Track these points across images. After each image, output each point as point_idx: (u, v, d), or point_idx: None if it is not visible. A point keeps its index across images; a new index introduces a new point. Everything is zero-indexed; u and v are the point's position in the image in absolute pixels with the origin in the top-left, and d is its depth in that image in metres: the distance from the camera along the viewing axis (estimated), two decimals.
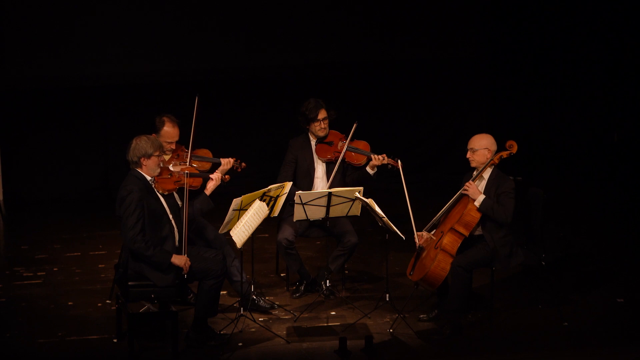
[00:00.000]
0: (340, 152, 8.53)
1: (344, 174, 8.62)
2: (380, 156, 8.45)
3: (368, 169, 8.52)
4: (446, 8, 12.28)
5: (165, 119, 8.25)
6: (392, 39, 12.26)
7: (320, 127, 8.57)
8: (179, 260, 7.49)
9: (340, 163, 8.55)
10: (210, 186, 7.97)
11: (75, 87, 11.82)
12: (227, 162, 8.31)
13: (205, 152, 8.42)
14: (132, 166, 7.54)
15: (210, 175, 7.99)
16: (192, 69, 11.96)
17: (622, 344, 7.70)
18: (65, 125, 11.87)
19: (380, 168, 8.52)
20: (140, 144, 7.51)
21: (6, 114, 11.72)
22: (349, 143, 8.54)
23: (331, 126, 8.67)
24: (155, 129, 8.25)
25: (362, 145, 8.61)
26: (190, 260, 7.56)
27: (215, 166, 8.37)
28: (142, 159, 7.50)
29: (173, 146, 8.26)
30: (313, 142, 8.66)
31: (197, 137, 8.29)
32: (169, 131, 8.23)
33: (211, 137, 8.52)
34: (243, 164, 8.41)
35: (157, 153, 7.53)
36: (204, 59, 11.96)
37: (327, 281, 8.35)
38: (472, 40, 12.40)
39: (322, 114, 8.56)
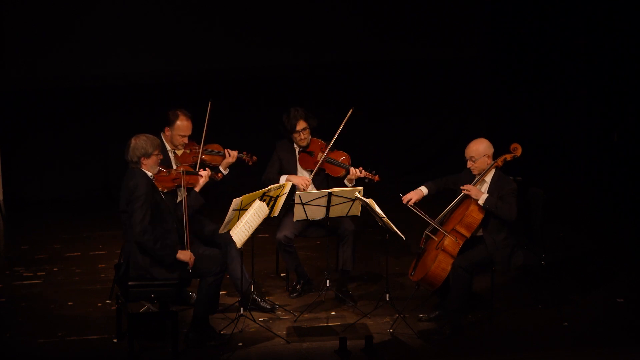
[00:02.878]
0: (319, 164, 8.52)
1: (328, 184, 8.60)
2: (357, 170, 8.40)
3: (346, 181, 8.49)
4: (447, 8, 12.28)
5: (179, 112, 8.29)
6: (392, 39, 12.26)
7: (300, 137, 8.56)
8: (184, 255, 7.53)
9: (320, 173, 8.55)
10: (200, 183, 8.00)
11: (75, 88, 11.82)
12: (233, 156, 8.35)
13: (217, 147, 8.46)
14: (132, 166, 7.54)
15: (200, 172, 8.03)
16: (192, 69, 11.96)
17: (622, 344, 7.70)
18: (66, 125, 11.87)
19: (359, 181, 8.47)
20: (140, 143, 7.50)
21: (6, 114, 11.72)
22: (327, 155, 8.52)
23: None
24: (169, 122, 8.27)
25: (341, 157, 8.57)
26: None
27: None
28: (142, 159, 7.50)
29: (186, 140, 8.29)
30: (297, 150, 8.65)
31: (209, 135, 8.34)
32: (183, 125, 8.26)
33: (212, 136, 8.51)
34: (254, 157, 8.44)
35: (156, 152, 7.54)
36: (205, 59, 11.96)
37: (328, 281, 8.34)
38: (472, 41, 12.40)
39: (301, 125, 8.53)
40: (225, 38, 11.95)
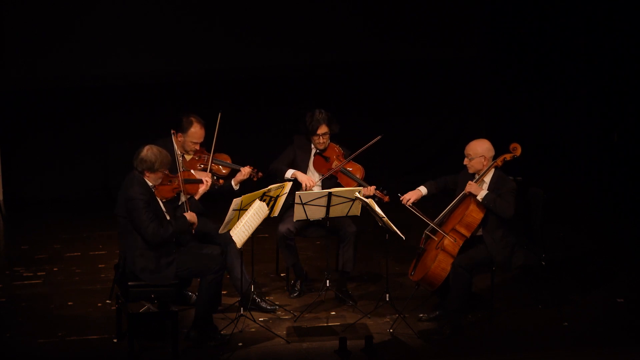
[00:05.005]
0: (332, 171, 8.50)
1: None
2: (370, 187, 8.34)
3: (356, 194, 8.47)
4: (447, 8, 12.28)
5: (192, 119, 8.27)
6: (392, 39, 12.25)
7: (319, 141, 8.53)
8: (191, 217, 7.67)
9: (330, 179, 8.53)
10: (200, 190, 8.01)
11: (75, 88, 11.82)
12: (246, 172, 8.34)
13: (225, 157, 8.46)
14: (135, 172, 7.55)
15: (202, 179, 8.04)
16: (192, 69, 11.96)
17: (622, 344, 7.70)
18: (66, 125, 11.87)
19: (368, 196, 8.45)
20: (149, 157, 7.49)
21: (6, 114, 11.71)
22: (344, 165, 8.51)
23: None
24: (182, 129, 8.26)
25: (357, 170, 8.55)
26: (186, 260, 7.63)
27: (233, 172, 8.41)
28: (145, 172, 7.52)
29: (197, 147, 8.29)
30: (313, 151, 8.63)
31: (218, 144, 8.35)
32: (197, 132, 8.26)
33: (212, 136, 8.54)
34: (260, 174, 8.44)
35: (162, 169, 7.55)
36: (205, 59, 11.96)
37: (328, 281, 8.34)
38: (472, 41, 12.40)
39: (322, 130, 8.49)
40: (225, 38, 11.95)
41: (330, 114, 8.52)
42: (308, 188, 8.40)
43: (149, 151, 7.53)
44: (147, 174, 7.53)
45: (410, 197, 8.12)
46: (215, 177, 8.19)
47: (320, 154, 8.59)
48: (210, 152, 8.32)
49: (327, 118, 8.48)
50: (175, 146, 8.29)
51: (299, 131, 8.64)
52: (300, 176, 8.47)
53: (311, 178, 8.49)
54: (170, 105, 8.50)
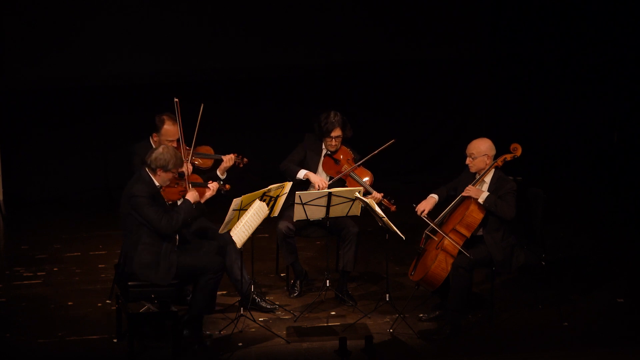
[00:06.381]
0: (342, 174, 8.50)
1: None
2: (378, 194, 8.35)
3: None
4: (447, 8, 12.29)
5: (165, 117, 8.26)
6: (392, 38, 12.26)
7: (331, 143, 8.52)
8: (193, 196, 7.68)
9: (339, 181, 8.52)
10: (207, 194, 8.00)
11: (75, 87, 11.83)
12: (229, 159, 8.35)
13: (207, 149, 8.45)
14: (148, 169, 7.54)
15: (209, 185, 8.02)
16: (192, 69, 11.96)
17: (622, 344, 7.70)
18: (65, 125, 11.88)
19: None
20: (165, 156, 7.49)
21: (6, 114, 11.72)
22: (353, 170, 8.50)
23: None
24: (156, 128, 8.27)
25: (366, 177, 8.54)
26: (186, 259, 7.60)
27: (217, 162, 8.40)
28: (158, 170, 7.51)
29: (174, 144, 8.27)
30: (323, 151, 8.62)
31: (199, 136, 8.32)
32: (170, 129, 8.25)
33: (215, 136, 8.53)
34: (245, 160, 8.44)
35: (175, 170, 7.55)
36: (206, 58, 11.97)
37: (328, 281, 8.34)
38: (473, 40, 12.40)
39: (336, 132, 8.48)
40: (225, 38, 11.96)
41: (345, 118, 8.51)
42: (321, 189, 8.37)
43: (164, 150, 7.53)
44: (160, 173, 7.52)
45: (424, 208, 8.05)
46: (221, 183, 8.18)
47: (330, 155, 8.58)
48: (191, 147, 8.30)
49: (341, 121, 8.48)
50: (154, 147, 8.26)
51: (304, 128, 8.64)
52: (313, 177, 8.45)
53: (324, 179, 8.49)
54: (170, 105, 8.48)
